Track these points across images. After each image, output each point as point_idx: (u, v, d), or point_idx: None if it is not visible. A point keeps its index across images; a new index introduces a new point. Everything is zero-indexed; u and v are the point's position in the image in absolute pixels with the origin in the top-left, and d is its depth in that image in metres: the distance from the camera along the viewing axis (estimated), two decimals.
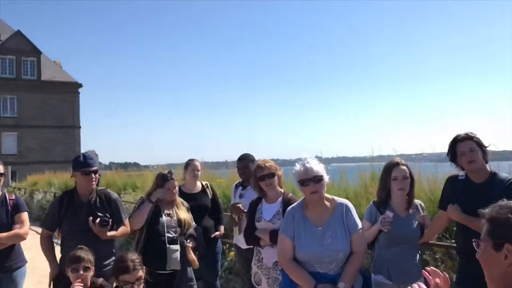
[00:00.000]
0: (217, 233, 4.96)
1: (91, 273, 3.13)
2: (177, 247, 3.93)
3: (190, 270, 4.01)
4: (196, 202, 4.85)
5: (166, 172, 4.18)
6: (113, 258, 3.65)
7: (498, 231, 1.39)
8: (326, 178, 2.93)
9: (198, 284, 4.26)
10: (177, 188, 4.14)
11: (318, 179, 2.88)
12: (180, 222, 4.03)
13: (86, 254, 3.12)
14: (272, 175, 3.54)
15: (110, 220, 3.64)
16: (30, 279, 4.39)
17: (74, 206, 3.69)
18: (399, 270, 3.09)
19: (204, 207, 4.93)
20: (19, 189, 20.66)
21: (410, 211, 3.25)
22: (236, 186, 4.79)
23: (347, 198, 5.36)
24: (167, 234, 3.92)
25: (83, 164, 3.67)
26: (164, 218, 3.98)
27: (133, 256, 2.99)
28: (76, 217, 3.63)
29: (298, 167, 2.96)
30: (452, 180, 3.40)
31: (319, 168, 2.91)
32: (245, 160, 4.59)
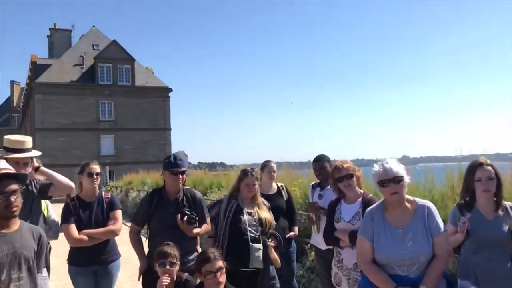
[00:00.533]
0: (291, 233, 5.00)
1: (177, 268, 3.33)
2: (260, 245, 3.99)
3: (272, 269, 4.05)
4: (271, 203, 4.92)
5: (249, 168, 4.27)
6: (196, 254, 3.84)
7: None
8: (406, 178, 2.85)
9: (279, 282, 4.31)
10: (257, 185, 4.16)
11: (398, 179, 2.81)
12: (261, 221, 4.09)
13: (172, 250, 3.32)
14: (351, 176, 3.52)
15: (197, 218, 3.83)
16: (124, 271, 4.71)
17: (163, 203, 3.92)
18: (488, 276, 2.92)
19: (279, 208, 4.97)
20: (116, 187, 22.16)
21: (500, 213, 3.04)
22: (313, 187, 4.81)
23: (432, 200, 5.16)
24: (249, 233, 4.00)
25: (173, 164, 3.89)
26: (246, 217, 4.05)
27: (213, 249, 3.14)
28: (164, 214, 3.86)
29: (377, 167, 2.91)
30: None
31: (398, 169, 2.84)
32: (321, 161, 4.62)
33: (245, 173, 4.19)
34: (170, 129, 42.09)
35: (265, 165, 5.15)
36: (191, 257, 3.77)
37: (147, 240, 4.02)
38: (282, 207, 5.04)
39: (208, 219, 4.06)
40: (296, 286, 5.24)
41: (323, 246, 4.16)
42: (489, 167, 3.04)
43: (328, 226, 3.69)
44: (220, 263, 3.00)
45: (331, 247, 3.80)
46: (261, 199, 4.30)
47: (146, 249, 3.98)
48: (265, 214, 4.17)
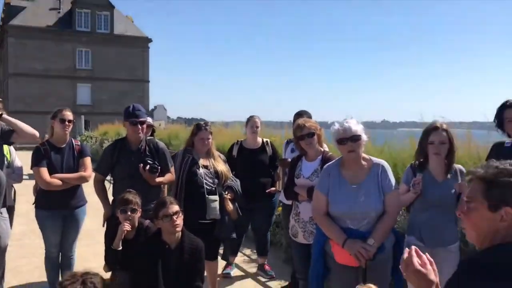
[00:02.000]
0: (272, 188, 5.07)
1: (138, 214, 3.43)
2: (216, 197, 4.09)
3: (228, 220, 4.17)
4: (254, 158, 5.05)
5: (203, 122, 4.30)
6: None
7: (496, 192, 1.39)
8: (364, 138, 2.95)
9: (240, 232, 4.46)
10: (211, 139, 4.21)
11: (355, 138, 2.91)
12: (217, 174, 4.17)
13: (133, 197, 3.41)
14: (312, 134, 3.61)
15: (159, 167, 3.92)
16: (92, 219, 4.82)
17: (125, 153, 3.98)
18: (431, 233, 3.07)
19: (261, 163, 5.06)
20: (91, 137, 21.98)
21: (448, 176, 3.18)
22: (287, 143, 4.94)
23: (395, 161, 5.34)
24: (205, 186, 4.09)
25: (132, 114, 3.94)
26: (202, 170, 4.12)
27: (170, 197, 3.24)
28: (127, 164, 3.93)
29: (337, 126, 3.00)
30: (497, 147, 3.31)
31: (357, 128, 2.93)
32: (303, 116, 4.61)
33: (198, 127, 4.23)
34: (149, 81, 41.53)
35: (249, 120, 5.19)
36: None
37: (111, 188, 4.10)
38: (264, 163, 5.09)
39: (172, 169, 4.13)
40: (268, 239, 5.43)
41: (288, 201, 4.30)
42: (444, 132, 3.14)
43: (288, 181, 3.81)
44: (176, 208, 3.09)
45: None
46: (216, 152, 4.36)
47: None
48: (221, 166, 4.24)
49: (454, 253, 3.14)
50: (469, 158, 4.56)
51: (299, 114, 4.71)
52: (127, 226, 3.30)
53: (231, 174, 4.41)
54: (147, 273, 3.03)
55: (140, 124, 3.94)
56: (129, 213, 3.35)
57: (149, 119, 5.49)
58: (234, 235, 4.22)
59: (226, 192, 4.18)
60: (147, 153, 3.99)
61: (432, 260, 1.59)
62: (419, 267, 1.56)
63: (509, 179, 1.38)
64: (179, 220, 3.07)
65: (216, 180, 4.16)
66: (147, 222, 3.48)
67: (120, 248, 3.30)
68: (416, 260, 1.57)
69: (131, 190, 3.49)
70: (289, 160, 4.43)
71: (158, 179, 3.97)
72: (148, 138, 4.20)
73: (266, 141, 5.23)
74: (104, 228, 3.69)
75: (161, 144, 4.21)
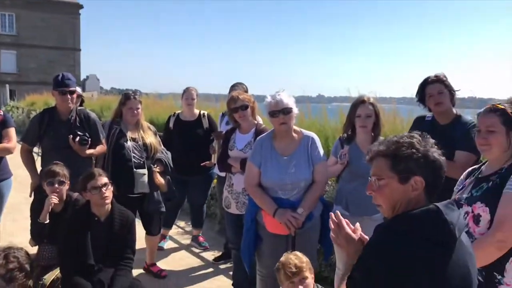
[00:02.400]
0: (206, 162, 4.98)
1: (66, 187, 3.32)
2: (144, 171, 4.03)
3: (157, 193, 4.14)
4: (190, 130, 4.96)
5: (131, 91, 4.19)
6: None
7: (402, 165, 1.49)
8: (295, 110, 3.03)
9: (168, 205, 4.43)
10: (140, 109, 4.11)
11: (287, 111, 2.97)
12: (146, 147, 4.09)
13: (61, 169, 3.30)
14: (246, 107, 3.64)
15: (89, 139, 3.80)
16: (19, 193, 4.64)
17: (54, 123, 3.84)
18: (356, 203, 3.21)
19: (195, 135, 4.96)
20: (17, 108, 20.82)
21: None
22: (223, 115, 4.91)
23: (325, 134, 5.53)
24: (133, 159, 4.01)
25: (61, 83, 3.79)
26: (130, 143, 4.03)
27: (99, 169, 3.17)
28: (56, 134, 3.79)
29: (269, 99, 3.05)
30: (419, 121, 3.49)
31: (288, 101, 2.99)
32: (238, 88, 4.59)
33: (126, 96, 4.13)
34: (80, 50, 39.61)
35: (184, 92, 5.09)
36: None
37: (40, 159, 3.95)
38: (200, 135, 4.99)
39: (103, 140, 4.02)
40: (204, 211, 5.44)
41: (223, 173, 4.33)
42: (370, 106, 3.27)
43: (222, 153, 3.84)
44: (105, 179, 3.03)
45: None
46: (146, 124, 4.27)
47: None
48: (151, 139, 4.16)
49: (378, 222, 3.31)
50: (394, 131, 4.79)
51: (234, 86, 4.71)
52: (54, 199, 3.19)
53: (162, 147, 4.33)
54: (75, 246, 2.97)
55: (70, 94, 3.80)
56: (56, 185, 3.24)
57: (78, 89, 5.29)
58: (163, 209, 4.20)
59: (155, 165, 4.10)
60: (78, 124, 3.87)
61: (360, 228, 1.70)
62: (350, 232, 1.66)
63: (411, 150, 1.49)
64: (108, 192, 3.01)
65: (144, 154, 4.08)
66: (75, 194, 3.38)
67: (47, 221, 3.20)
68: (346, 225, 1.67)
69: (58, 162, 3.38)
70: (224, 132, 4.43)
71: (89, 151, 3.86)
72: (79, 108, 4.06)
73: (203, 113, 5.11)
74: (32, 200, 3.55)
75: (92, 115, 4.08)
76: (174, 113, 5.24)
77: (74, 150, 3.74)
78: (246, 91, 4.56)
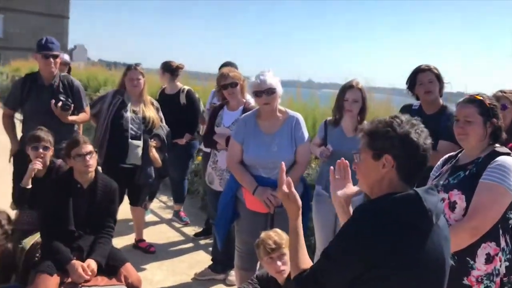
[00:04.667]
0: (177, 139, 4.87)
1: (50, 152, 3.31)
2: (139, 143, 4.05)
3: (150, 168, 4.16)
4: (169, 104, 4.88)
5: (134, 63, 4.20)
6: None
7: (377, 143, 1.55)
8: (279, 91, 3.04)
9: (161, 182, 4.47)
10: (141, 80, 4.12)
11: (271, 91, 2.98)
12: (145, 120, 4.12)
13: (46, 135, 3.28)
14: (235, 84, 3.64)
15: (72, 105, 3.79)
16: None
17: (36, 88, 3.81)
18: None
19: (174, 110, 4.87)
20: (1, 73, 20.45)
21: (358, 132, 3.37)
22: (214, 93, 4.90)
23: (314, 117, 5.57)
24: (130, 130, 4.03)
25: (44, 47, 3.75)
26: (129, 114, 4.06)
27: (84, 136, 3.16)
28: (38, 99, 3.76)
29: (254, 79, 3.06)
30: (406, 109, 3.53)
31: (272, 81, 2.99)
32: (228, 66, 4.50)
33: (128, 67, 4.16)
34: (69, 18, 38.81)
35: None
36: (63, 145, 3.75)
37: (21, 124, 3.91)
38: (173, 111, 4.90)
39: (87, 108, 4.03)
40: (185, 186, 5.44)
41: (208, 149, 4.34)
42: (358, 91, 3.30)
43: (208, 129, 3.85)
44: (90, 148, 3.02)
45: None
46: (149, 98, 4.30)
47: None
48: (151, 113, 4.19)
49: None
50: None
51: (225, 65, 4.70)
52: (38, 164, 3.18)
53: (164, 123, 4.36)
54: (57, 212, 2.97)
55: (53, 58, 3.77)
56: (41, 150, 3.22)
57: (66, 56, 5.22)
58: (151, 181, 4.21)
59: (152, 140, 4.13)
60: (61, 89, 3.84)
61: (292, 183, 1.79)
62: (286, 189, 1.78)
63: (386, 129, 1.54)
64: (92, 161, 3.01)
65: (142, 126, 4.10)
66: (59, 161, 3.37)
67: (30, 186, 3.19)
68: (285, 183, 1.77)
69: (42, 127, 3.35)
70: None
71: (71, 118, 3.86)
72: (63, 74, 4.03)
73: (183, 89, 5.04)
74: (11, 165, 3.53)
75: (76, 82, 4.06)
76: (161, 86, 5.29)
77: (55, 115, 3.73)
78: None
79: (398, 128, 1.53)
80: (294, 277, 1.62)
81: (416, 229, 1.45)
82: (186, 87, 5.13)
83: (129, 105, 4.10)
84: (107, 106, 4.06)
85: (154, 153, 4.11)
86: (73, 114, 3.85)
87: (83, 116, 4.00)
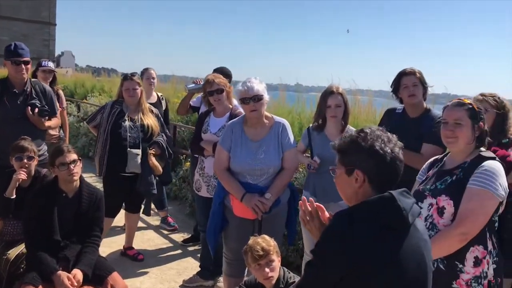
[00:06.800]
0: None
1: (35, 162, 3.28)
2: (138, 151, 4.05)
3: (150, 175, 4.14)
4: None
5: (130, 73, 4.24)
6: (45, 148, 3.94)
7: (347, 159, 1.61)
8: (266, 97, 3.04)
9: (160, 188, 4.47)
10: (138, 89, 4.15)
11: (258, 98, 2.98)
12: (143, 128, 4.12)
13: (29, 144, 3.25)
14: (221, 91, 3.64)
15: (49, 110, 3.81)
16: None
17: (10, 95, 3.76)
18: (322, 188, 3.26)
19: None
20: None
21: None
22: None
23: (300, 122, 5.58)
24: (129, 139, 4.03)
25: (13, 53, 3.71)
26: (127, 123, 4.07)
27: (68, 145, 3.14)
28: (11, 105, 3.72)
29: (240, 86, 3.06)
30: (389, 113, 3.56)
31: (259, 88, 3.00)
32: (220, 73, 4.57)
33: (124, 77, 4.21)
34: (55, 24, 38.48)
35: (143, 72, 5.08)
36: (40, 152, 3.73)
37: None
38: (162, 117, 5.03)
39: (58, 112, 4.13)
40: (164, 192, 5.38)
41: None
42: (339, 96, 3.32)
43: (195, 136, 3.85)
44: (74, 156, 2.99)
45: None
46: (148, 106, 4.30)
47: None
48: (150, 121, 4.19)
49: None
50: (368, 123, 4.88)
51: (216, 71, 4.69)
52: (22, 175, 3.15)
53: (166, 130, 4.41)
54: (42, 222, 2.94)
55: (24, 64, 3.73)
56: (25, 160, 3.20)
57: (51, 64, 5.18)
58: (154, 191, 4.19)
59: (151, 148, 4.12)
60: (34, 95, 3.82)
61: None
62: (322, 221, 1.72)
63: (353, 145, 1.60)
64: (77, 169, 2.98)
65: (141, 134, 4.10)
66: (44, 170, 3.34)
67: (14, 196, 3.15)
68: (320, 213, 1.73)
69: (26, 137, 3.33)
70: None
71: (47, 123, 3.87)
72: (33, 80, 4.04)
73: (161, 95, 5.29)
74: None
75: (48, 87, 4.08)
76: None
77: (30, 121, 3.71)
78: (230, 75, 4.60)
79: (362, 142, 1.57)
80: None
81: (392, 229, 1.47)
82: (162, 94, 5.39)
83: (127, 114, 4.12)
84: (106, 117, 4.10)
85: (153, 161, 4.09)
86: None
87: (56, 121, 4.06)
